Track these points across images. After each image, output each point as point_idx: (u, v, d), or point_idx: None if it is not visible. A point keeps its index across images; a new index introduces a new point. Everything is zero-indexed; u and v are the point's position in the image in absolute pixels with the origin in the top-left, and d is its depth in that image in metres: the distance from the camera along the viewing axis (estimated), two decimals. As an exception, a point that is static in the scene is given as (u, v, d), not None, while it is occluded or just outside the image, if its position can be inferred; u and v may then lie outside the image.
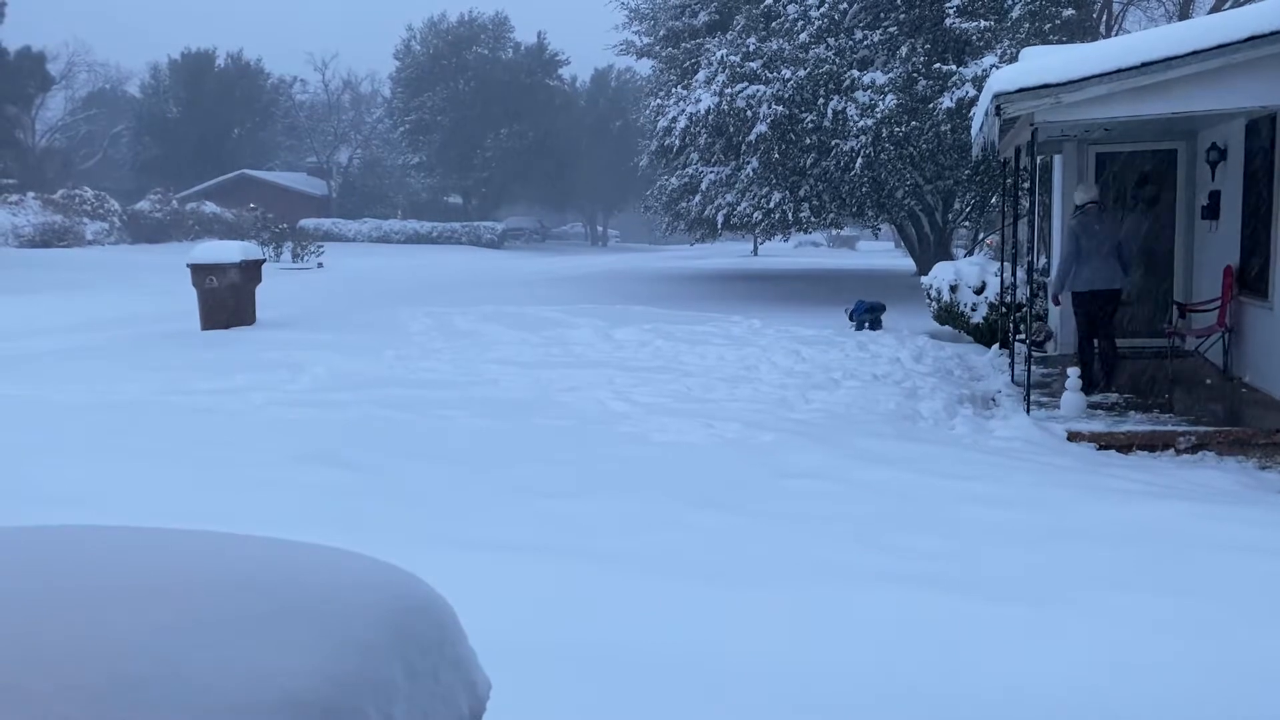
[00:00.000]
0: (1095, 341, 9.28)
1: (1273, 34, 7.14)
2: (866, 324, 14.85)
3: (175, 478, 6.05)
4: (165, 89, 58.46)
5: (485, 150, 55.61)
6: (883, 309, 15.16)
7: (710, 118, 20.47)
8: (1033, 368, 8.99)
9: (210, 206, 45.19)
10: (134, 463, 6.43)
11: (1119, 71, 7.54)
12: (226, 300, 14.18)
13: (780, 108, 19.85)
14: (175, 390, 9.16)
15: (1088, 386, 8.86)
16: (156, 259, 30.33)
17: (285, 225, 37.04)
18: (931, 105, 18.60)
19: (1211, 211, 10.72)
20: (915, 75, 19.09)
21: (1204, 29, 7.68)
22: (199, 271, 14.15)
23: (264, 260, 15.49)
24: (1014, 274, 11.14)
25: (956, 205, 24.27)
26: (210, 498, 5.59)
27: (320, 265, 32.22)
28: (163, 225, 41.55)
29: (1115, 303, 9.15)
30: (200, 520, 5.05)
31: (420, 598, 1.09)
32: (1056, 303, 10.07)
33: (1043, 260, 13.85)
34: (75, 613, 0.94)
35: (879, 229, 28.85)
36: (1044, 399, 8.96)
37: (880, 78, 19.32)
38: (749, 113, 20.13)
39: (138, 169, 56.42)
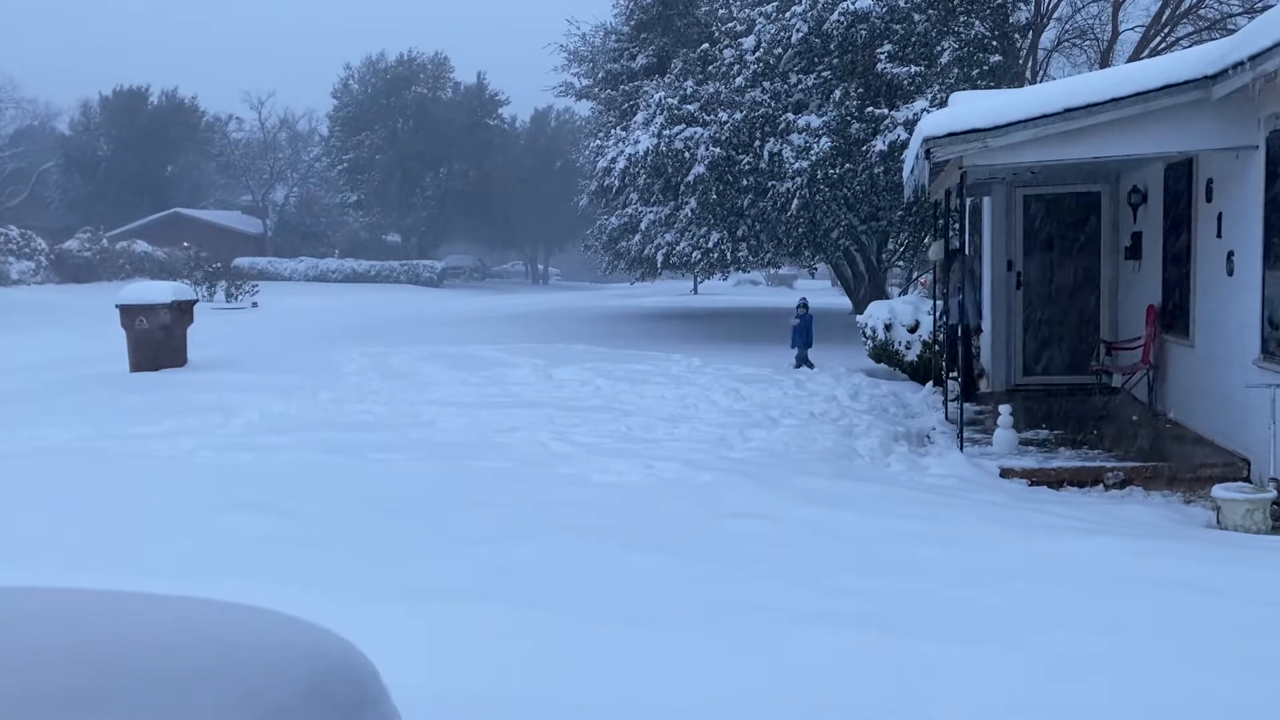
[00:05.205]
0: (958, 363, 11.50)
1: (1185, 83, 7.43)
2: (806, 362, 15.33)
3: (103, 527, 5.86)
4: (96, 126, 57.51)
5: (425, 189, 55.51)
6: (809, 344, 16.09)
7: (649, 159, 20.69)
8: (965, 405, 9.14)
9: (142, 245, 44.32)
10: (60, 512, 6.22)
11: (1043, 117, 7.77)
12: (157, 341, 13.88)
13: (718, 149, 20.13)
14: (103, 435, 8.91)
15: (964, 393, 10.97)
16: (85, 300, 29.60)
17: (219, 264, 36.52)
18: (865, 148, 19.00)
19: (1134, 252, 11.05)
20: (849, 118, 19.50)
21: (1123, 77, 7.96)
22: (128, 312, 13.85)
23: (196, 300, 15.23)
24: (946, 313, 11.35)
25: (891, 245, 24.74)
26: (139, 548, 5.42)
27: (255, 305, 31.76)
28: (92, 265, 40.61)
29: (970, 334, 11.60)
30: (129, 571, 4.90)
31: (339, 657, 1.06)
32: (978, 331, 11.65)
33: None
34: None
35: (815, 268, 29.25)
36: (977, 435, 9.11)
37: (815, 121, 19.71)
38: (687, 154, 20.38)
39: (66, 207, 55.26)
